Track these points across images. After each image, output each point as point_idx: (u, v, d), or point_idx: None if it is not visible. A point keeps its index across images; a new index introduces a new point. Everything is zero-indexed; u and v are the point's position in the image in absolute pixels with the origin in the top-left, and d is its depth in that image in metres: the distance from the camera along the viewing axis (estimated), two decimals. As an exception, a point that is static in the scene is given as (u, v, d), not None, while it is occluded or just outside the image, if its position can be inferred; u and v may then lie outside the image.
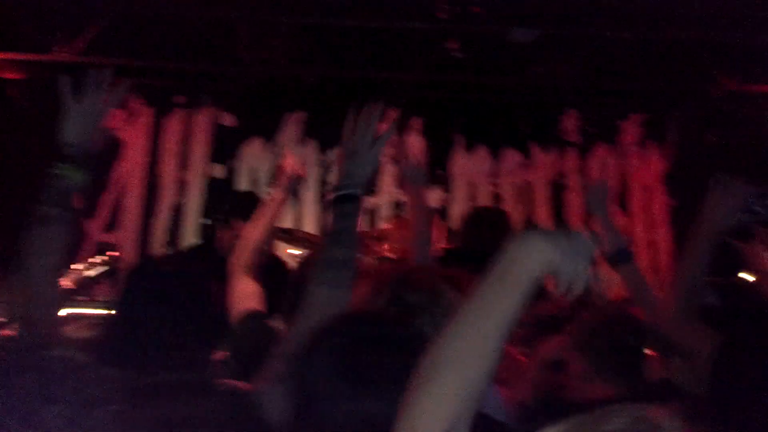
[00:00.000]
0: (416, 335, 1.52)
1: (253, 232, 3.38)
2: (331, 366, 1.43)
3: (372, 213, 8.07)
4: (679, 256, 2.63)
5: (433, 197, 8.20)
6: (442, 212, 8.21)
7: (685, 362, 2.58)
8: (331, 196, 2.16)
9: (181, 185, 7.84)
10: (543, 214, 8.30)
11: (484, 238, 4.57)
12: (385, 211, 8.12)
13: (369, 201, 8.05)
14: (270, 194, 3.30)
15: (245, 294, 2.96)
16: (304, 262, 3.31)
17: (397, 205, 8.11)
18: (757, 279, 3.66)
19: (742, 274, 6.17)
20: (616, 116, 8.48)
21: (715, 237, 2.49)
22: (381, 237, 5.95)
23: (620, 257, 2.82)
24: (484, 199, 8.25)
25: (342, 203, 2.10)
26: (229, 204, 4.86)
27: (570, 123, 8.43)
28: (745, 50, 6.69)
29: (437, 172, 8.20)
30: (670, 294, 2.60)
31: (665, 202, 8.53)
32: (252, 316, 2.85)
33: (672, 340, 2.59)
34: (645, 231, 8.45)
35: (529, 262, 1.36)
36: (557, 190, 8.42)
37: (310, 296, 2.00)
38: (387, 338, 1.45)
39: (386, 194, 8.17)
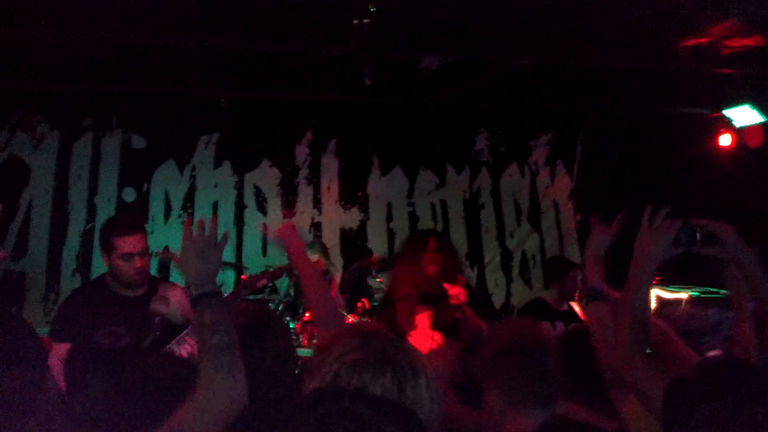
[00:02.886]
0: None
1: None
2: None
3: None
4: (622, 294, 2.64)
5: (352, 218, 8.30)
6: (360, 232, 8.29)
7: (641, 403, 2.52)
8: (192, 296, 2.28)
9: (91, 210, 7.62)
10: (458, 232, 8.47)
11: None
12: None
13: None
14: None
15: None
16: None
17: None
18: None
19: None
20: (525, 136, 8.77)
21: (653, 272, 2.54)
22: None
23: (594, 295, 2.86)
24: (400, 219, 8.35)
25: (205, 299, 2.26)
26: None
27: (482, 143, 8.66)
28: (647, 76, 7.01)
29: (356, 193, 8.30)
30: (617, 333, 2.57)
31: (573, 217, 8.86)
32: None
33: (626, 380, 2.53)
34: (555, 245, 8.74)
35: None
36: (472, 208, 8.62)
37: (210, 382, 2.10)
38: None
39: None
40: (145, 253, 3.73)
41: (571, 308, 5.79)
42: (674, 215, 2.64)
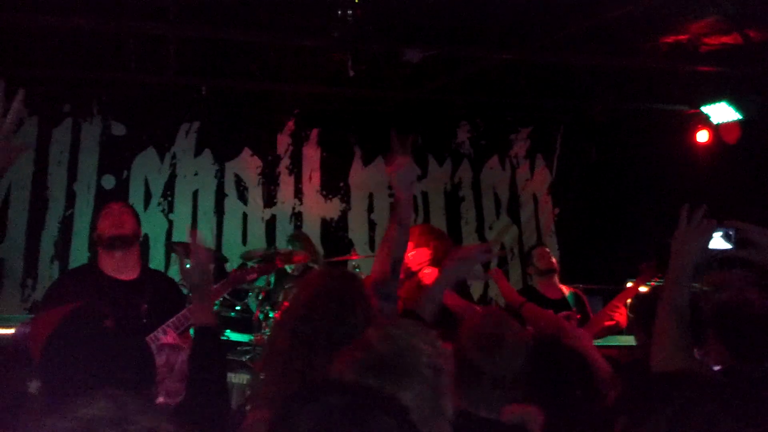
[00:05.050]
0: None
1: None
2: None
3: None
4: (661, 297, 2.62)
5: (333, 208, 8.31)
6: (341, 223, 8.32)
7: None
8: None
9: (71, 197, 7.57)
10: (439, 223, 8.50)
11: None
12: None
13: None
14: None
15: None
16: None
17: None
18: None
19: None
20: (506, 130, 8.83)
21: (692, 270, 2.52)
22: None
23: None
24: (382, 210, 8.37)
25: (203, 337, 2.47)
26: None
27: (463, 136, 8.71)
28: (626, 72, 7.08)
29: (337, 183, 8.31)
30: (660, 334, 2.53)
31: (551, 210, 8.94)
32: None
33: None
34: (533, 238, 8.81)
35: None
36: (452, 200, 8.67)
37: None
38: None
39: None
40: (127, 211, 3.81)
41: (564, 297, 5.48)
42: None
